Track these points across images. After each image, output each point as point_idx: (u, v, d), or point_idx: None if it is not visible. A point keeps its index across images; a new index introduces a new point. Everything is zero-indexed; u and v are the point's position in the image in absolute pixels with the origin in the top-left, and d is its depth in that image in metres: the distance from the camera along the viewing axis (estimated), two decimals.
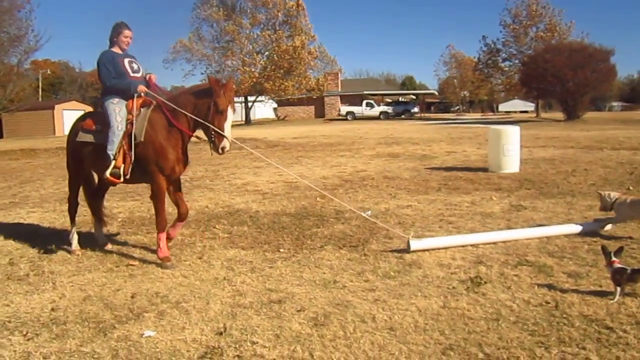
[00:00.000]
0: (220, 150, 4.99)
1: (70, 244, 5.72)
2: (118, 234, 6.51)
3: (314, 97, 54.14)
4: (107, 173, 5.07)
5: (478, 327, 3.43)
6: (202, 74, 49.98)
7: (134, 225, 6.94)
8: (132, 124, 5.08)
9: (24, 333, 3.66)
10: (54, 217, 7.68)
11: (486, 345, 3.18)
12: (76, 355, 3.30)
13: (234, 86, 5.18)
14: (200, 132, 5.20)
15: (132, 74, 5.29)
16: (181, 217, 5.48)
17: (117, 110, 5.11)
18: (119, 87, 5.19)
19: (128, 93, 5.17)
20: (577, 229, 5.57)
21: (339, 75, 61.44)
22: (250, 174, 11.84)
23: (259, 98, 52.54)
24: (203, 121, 5.00)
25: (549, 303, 3.78)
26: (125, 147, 5.06)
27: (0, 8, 26.18)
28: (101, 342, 3.47)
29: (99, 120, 5.31)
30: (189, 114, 5.04)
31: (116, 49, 5.34)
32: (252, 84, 47.06)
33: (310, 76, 50.50)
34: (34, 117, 40.66)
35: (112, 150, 5.02)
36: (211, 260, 5.21)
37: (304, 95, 51.90)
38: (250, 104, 51.61)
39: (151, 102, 5.24)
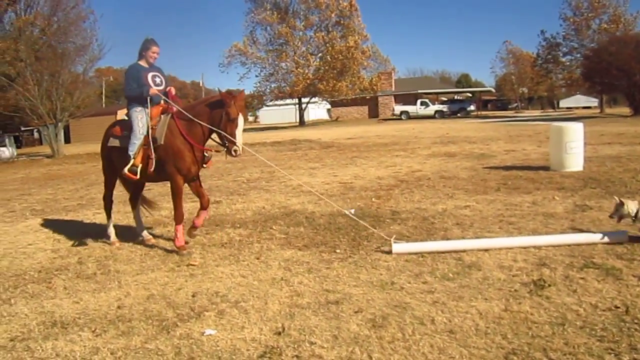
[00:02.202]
0: (233, 153, 5.55)
1: (109, 237, 6.36)
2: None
3: (368, 97, 54.02)
4: (125, 169, 5.75)
5: (542, 331, 3.32)
6: (256, 76, 50.93)
7: None
8: (153, 129, 5.74)
9: (93, 329, 3.83)
10: (118, 218, 7.96)
11: (551, 351, 3.06)
12: (141, 352, 3.42)
13: (244, 97, 5.71)
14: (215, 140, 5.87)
15: (154, 87, 5.86)
16: (203, 206, 6.02)
17: (140, 117, 5.76)
18: (135, 95, 5.81)
19: (142, 98, 5.79)
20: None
21: (393, 74, 61.03)
22: (305, 174, 11.91)
23: (313, 99, 52.81)
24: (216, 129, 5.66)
25: (618, 307, 3.61)
26: (146, 150, 5.73)
27: (67, 20, 27.45)
28: (164, 339, 3.58)
29: (125, 127, 5.96)
30: (203, 124, 5.66)
31: (143, 62, 5.96)
32: (305, 85, 47.40)
33: (364, 76, 50.39)
34: (98, 122, 42.45)
35: (132, 151, 5.70)
36: (269, 260, 5.27)
37: (358, 96, 51.80)
38: (304, 106, 51.98)
39: (170, 110, 5.82)
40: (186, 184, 5.99)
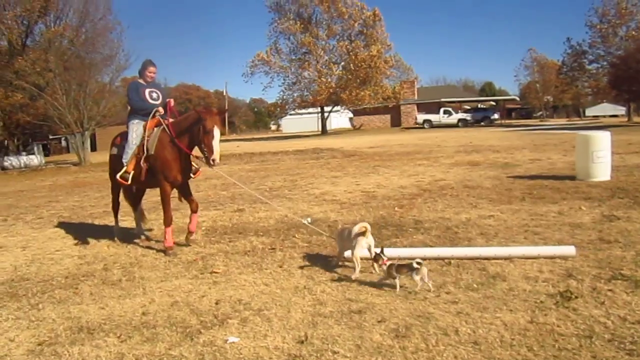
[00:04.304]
0: (212, 162, 6.00)
1: (115, 237, 7.04)
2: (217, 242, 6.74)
3: (390, 105, 53.89)
4: (118, 175, 6.38)
5: (569, 344, 3.26)
6: (279, 86, 51.26)
7: (216, 233, 7.18)
8: (147, 140, 6.32)
9: (118, 335, 3.88)
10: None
11: None
12: (165, 358, 3.45)
13: (218, 114, 6.20)
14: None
15: (150, 101, 6.57)
16: (193, 209, 6.56)
17: (135, 129, 6.44)
18: (142, 106, 6.49)
19: (147, 113, 6.47)
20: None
21: (415, 83, 60.82)
22: (327, 183, 11.92)
23: (335, 108, 52.90)
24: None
25: None
26: (138, 158, 6.30)
27: (94, 31, 28.16)
28: (188, 346, 3.60)
29: (123, 137, 6.67)
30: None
31: (142, 81, 6.68)
32: (328, 94, 47.50)
33: (387, 85, 50.32)
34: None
35: (125, 159, 6.37)
36: (291, 269, 5.28)
37: (380, 104, 51.73)
38: (326, 114, 52.09)
39: (162, 124, 6.40)
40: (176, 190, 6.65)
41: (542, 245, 5.51)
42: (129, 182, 6.39)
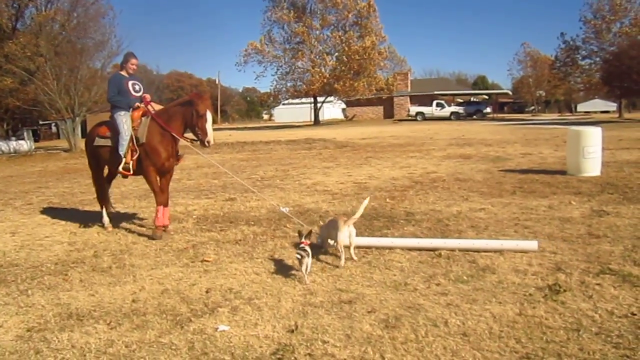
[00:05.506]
0: (206, 144, 6.26)
1: (103, 223, 7.07)
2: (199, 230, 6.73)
3: (383, 97, 53.84)
4: (120, 168, 6.47)
5: (557, 336, 3.29)
6: (272, 75, 51.01)
7: (207, 222, 7.16)
8: (135, 130, 6.45)
9: (108, 322, 3.87)
10: (133, 212, 8.07)
11: (566, 357, 3.04)
12: (155, 346, 3.45)
13: (209, 97, 6.50)
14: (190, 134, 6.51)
15: (133, 94, 6.66)
16: (163, 203, 6.61)
17: (124, 120, 6.45)
18: (119, 103, 6.52)
19: (127, 108, 6.54)
20: None
21: (409, 75, 60.77)
22: (319, 174, 11.92)
23: (328, 98, 52.77)
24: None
25: (635, 315, 3.56)
26: (132, 148, 6.42)
27: (86, 16, 27.81)
28: (178, 334, 3.60)
29: (109, 128, 6.68)
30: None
31: (124, 72, 6.75)
32: (322, 84, 47.36)
33: (380, 76, 50.23)
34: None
35: (122, 151, 6.40)
36: (282, 258, 5.28)
37: (373, 96, 51.66)
38: (319, 105, 51.96)
39: (149, 113, 6.58)
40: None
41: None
42: (131, 172, 6.48)
